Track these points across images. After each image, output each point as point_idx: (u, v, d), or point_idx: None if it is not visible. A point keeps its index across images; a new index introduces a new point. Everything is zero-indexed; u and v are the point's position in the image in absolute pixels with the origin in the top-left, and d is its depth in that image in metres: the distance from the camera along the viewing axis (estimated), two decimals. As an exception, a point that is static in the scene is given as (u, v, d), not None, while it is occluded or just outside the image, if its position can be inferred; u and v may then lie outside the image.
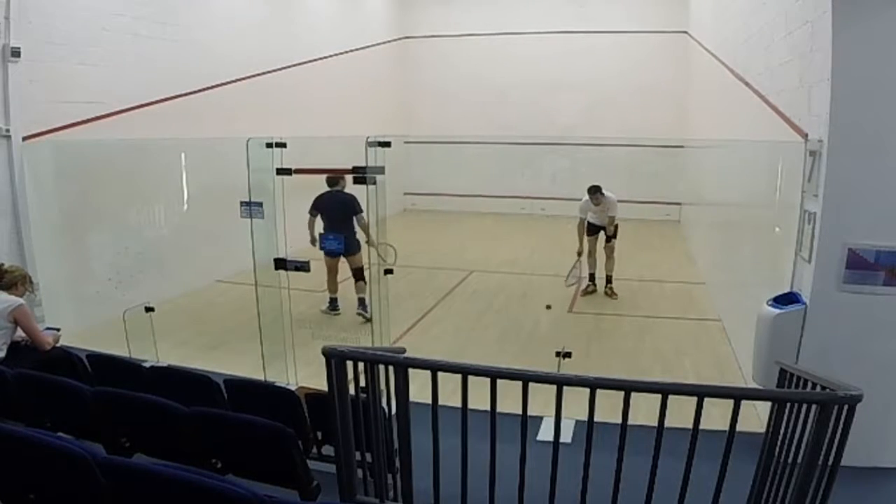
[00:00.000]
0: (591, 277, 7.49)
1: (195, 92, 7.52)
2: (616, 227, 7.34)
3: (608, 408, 2.37)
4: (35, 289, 4.96)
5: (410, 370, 2.55)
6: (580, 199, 7.28)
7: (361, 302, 6.48)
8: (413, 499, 2.74)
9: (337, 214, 6.29)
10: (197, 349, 5.71)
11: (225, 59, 8.03)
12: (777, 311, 3.56)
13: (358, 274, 6.47)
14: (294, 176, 4.73)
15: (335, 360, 2.58)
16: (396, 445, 2.76)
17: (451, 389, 2.50)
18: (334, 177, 6.29)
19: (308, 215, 6.47)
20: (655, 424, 2.27)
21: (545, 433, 3.66)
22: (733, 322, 5.89)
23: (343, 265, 6.54)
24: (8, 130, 5.48)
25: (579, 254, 7.27)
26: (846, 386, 2.25)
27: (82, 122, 6.11)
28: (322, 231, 6.32)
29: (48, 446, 2.14)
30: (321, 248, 6.09)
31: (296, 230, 6.14)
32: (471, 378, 2.43)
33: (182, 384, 3.49)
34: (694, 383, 2.68)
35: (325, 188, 6.45)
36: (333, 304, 6.69)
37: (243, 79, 8.39)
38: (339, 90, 10.92)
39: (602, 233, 7.39)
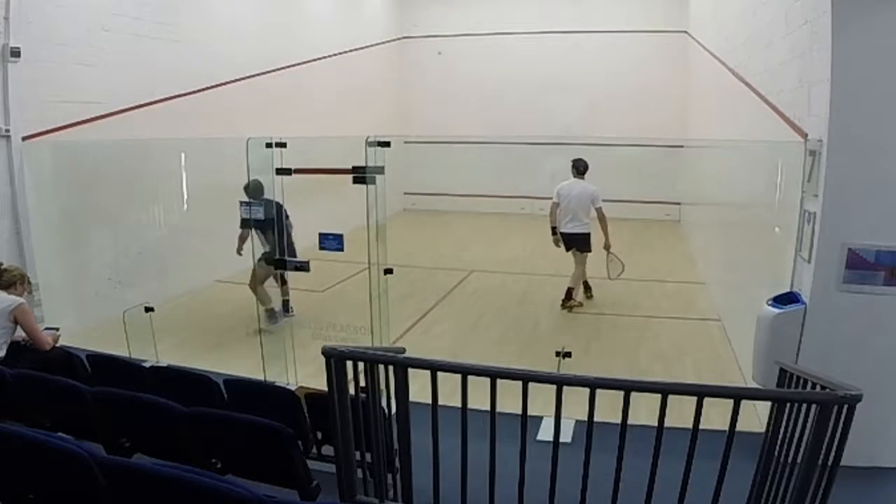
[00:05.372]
0: (570, 293, 6.91)
1: (195, 92, 7.52)
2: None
3: (608, 408, 2.37)
4: (33, 289, 4.96)
5: (410, 370, 2.55)
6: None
7: (287, 304, 6.43)
8: (413, 499, 2.75)
9: (273, 224, 5.78)
10: (197, 349, 5.71)
11: (225, 59, 8.03)
12: (777, 310, 3.56)
13: (284, 278, 6.34)
14: (294, 176, 4.74)
15: (335, 360, 2.58)
16: (396, 445, 2.76)
17: (451, 389, 2.50)
18: (252, 185, 5.88)
19: (240, 229, 6.05)
20: (655, 424, 2.27)
21: (545, 433, 3.66)
22: (733, 322, 5.88)
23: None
24: (8, 130, 5.48)
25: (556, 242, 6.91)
26: (846, 386, 2.25)
27: (82, 122, 6.11)
28: (265, 245, 5.97)
29: (48, 446, 2.14)
30: (321, 248, 6.02)
31: (296, 230, 6.14)
32: (471, 378, 2.43)
33: (182, 384, 3.49)
34: (694, 383, 2.67)
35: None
36: (275, 316, 6.23)
37: (243, 79, 8.38)
38: (338, 90, 10.91)
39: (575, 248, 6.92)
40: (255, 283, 6.19)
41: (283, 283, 6.38)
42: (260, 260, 6.05)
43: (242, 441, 2.79)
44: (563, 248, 7.01)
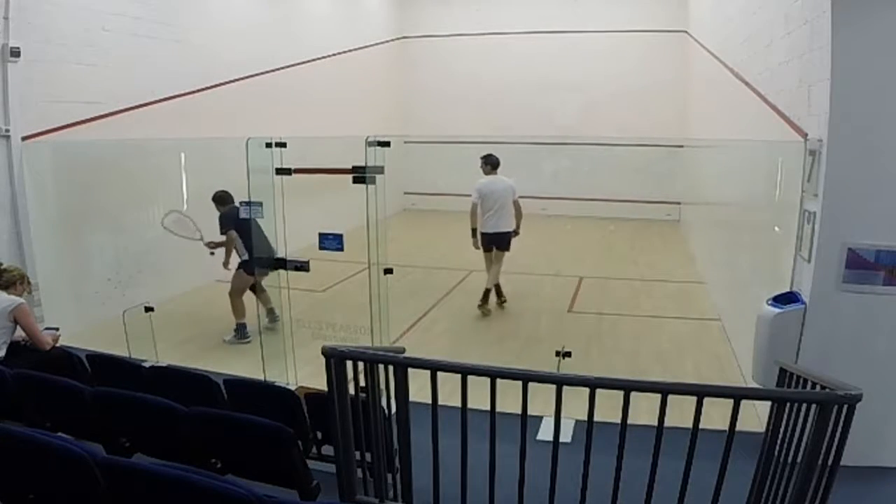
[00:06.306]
0: (487, 295, 6.78)
1: (195, 92, 7.52)
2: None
3: (608, 408, 2.37)
4: (33, 289, 4.96)
5: (410, 370, 2.55)
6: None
7: (272, 311, 6.11)
8: (413, 499, 2.75)
9: (254, 228, 5.69)
10: (197, 349, 5.71)
11: (225, 59, 8.03)
12: (777, 310, 3.56)
13: (261, 286, 6.10)
14: (294, 176, 4.74)
15: (335, 359, 2.58)
16: (396, 445, 2.76)
17: (450, 389, 2.50)
18: (225, 193, 5.91)
19: (225, 235, 5.92)
20: (655, 424, 2.27)
21: (545, 433, 3.66)
22: (733, 322, 5.88)
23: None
24: (7, 130, 5.48)
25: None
26: (846, 386, 2.25)
27: (82, 122, 6.11)
28: (243, 253, 5.89)
29: (48, 446, 2.14)
30: (321, 248, 5.98)
31: (296, 230, 6.12)
32: (471, 378, 2.43)
33: (182, 384, 3.49)
34: (694, 383, 2.67)
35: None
36: (244, 332, 6.02)
37: (243, 79, 8.38)
38: (338, 90, 10.91)
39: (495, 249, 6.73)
40: (233, 293, 6.03)
41: (262, 290, 6.10)
42: (239, 269, 5.97)
43: (242, 441, 2.79)
44: (482, 249, 6.82)
